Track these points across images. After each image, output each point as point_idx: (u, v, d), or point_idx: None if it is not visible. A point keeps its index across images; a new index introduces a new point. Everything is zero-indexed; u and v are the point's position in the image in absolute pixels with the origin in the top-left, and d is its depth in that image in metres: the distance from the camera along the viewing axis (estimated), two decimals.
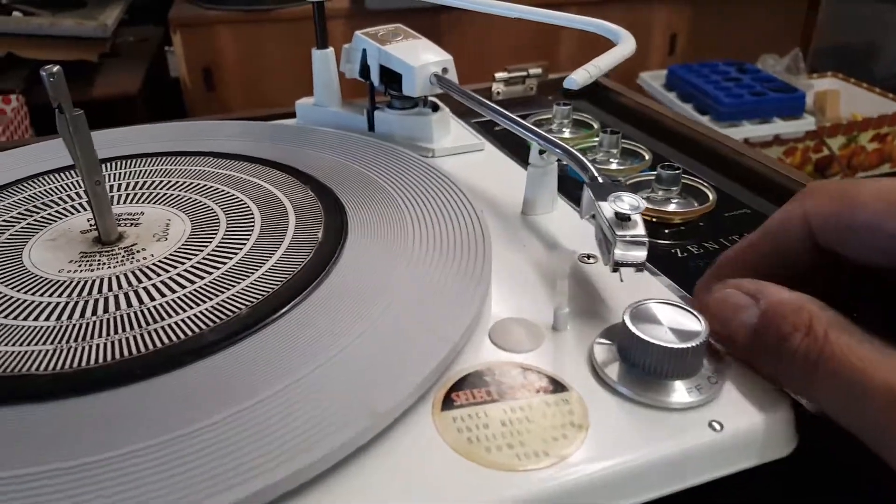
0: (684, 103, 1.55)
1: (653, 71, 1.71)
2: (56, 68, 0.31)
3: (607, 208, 0.31)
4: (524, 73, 0.62)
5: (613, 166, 0.49)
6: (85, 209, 0.40)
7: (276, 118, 0.56)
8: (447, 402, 0.28)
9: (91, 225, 0.38)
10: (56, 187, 0.43)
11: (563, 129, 0.54)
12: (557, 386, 0.28)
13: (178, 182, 0.43)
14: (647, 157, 0.49)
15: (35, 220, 0.40)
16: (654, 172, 0.44)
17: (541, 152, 0.39)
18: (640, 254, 0.30)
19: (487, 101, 0.42)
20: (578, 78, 0.36)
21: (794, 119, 1.49)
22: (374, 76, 0.49)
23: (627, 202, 0.31)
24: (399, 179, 0.42)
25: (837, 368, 0.24)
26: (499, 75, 0.62)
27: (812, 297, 0.26)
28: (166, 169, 0.45)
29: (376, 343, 0.29)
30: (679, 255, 0.40)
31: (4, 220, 0.39)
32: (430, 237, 0.36)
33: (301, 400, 0.26)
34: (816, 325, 0.25)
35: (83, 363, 0.28)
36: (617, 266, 0.30)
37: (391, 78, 0.48)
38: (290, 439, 0.24)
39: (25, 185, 0.44)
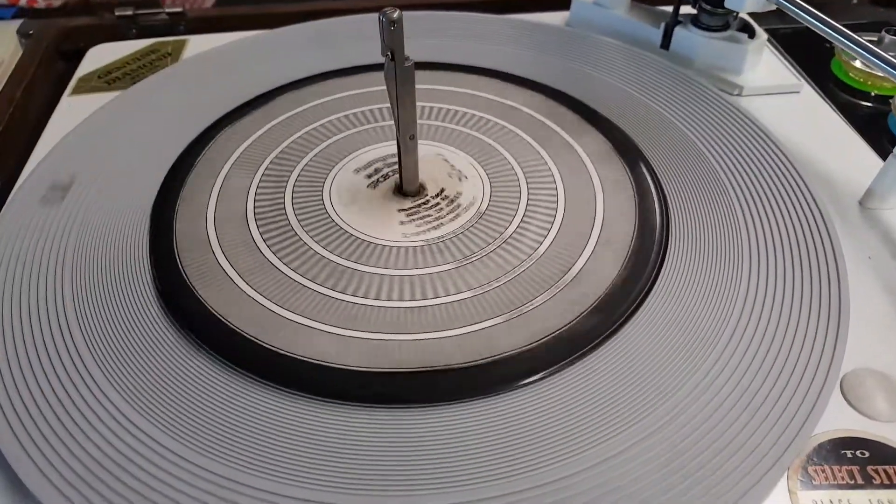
0: None
1: None
2: (397, 13, 0.27)
3: None
4: None
5: None
6: (380, 139, 0.37)
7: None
8: (805, 477, 0.25)
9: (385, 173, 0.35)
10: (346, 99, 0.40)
11: None
12: None
13: (464, 115, 0.39)
14: None
15: (328, 149, 0.37)
16: None
17: None
18: None
19: (855, 35, 0.34)
20: None
21: None
22: None
23: None
24: (714, 135, 0.36)
25: None
26: None
27: None
28: (446, 90, 0.40)
29: (715, 399, 0.26)
30: None
31: (296, 143, 0.37)
32: (766, 241, 0.31)
33: (650, 463, 0.24)
34: None
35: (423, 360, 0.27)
36: None
37: None
38: None
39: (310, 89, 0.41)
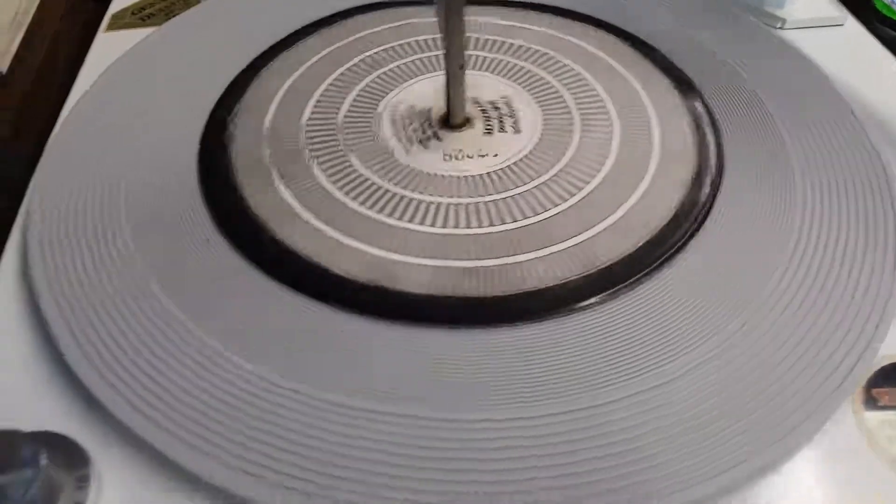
0: None
1: None
2: None
3: None
4: None
5: None
6: (429, 69, 0.37)
7: None
8: (869, 399, 0.25)
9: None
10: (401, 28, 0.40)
11: None
12: None
13: (512, 46, 0.38)
14: None
15: (381, 77, 0.36)
16: None
17: None
18: None
19: None
20: None
21: None
22: None
23: None
24: (764, 71, 0.35)
25: None
26: None
27: None
28: (493, 23, 0.39)
29: (779, 322, 0.26)
30: None
31: (349, 71, 0.37)
32: (819, 176, 0.31)
33: (713, 386, 0.24)
34: None
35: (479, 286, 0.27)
36: None
37: None
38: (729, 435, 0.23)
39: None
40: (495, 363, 0.24)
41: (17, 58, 0.38)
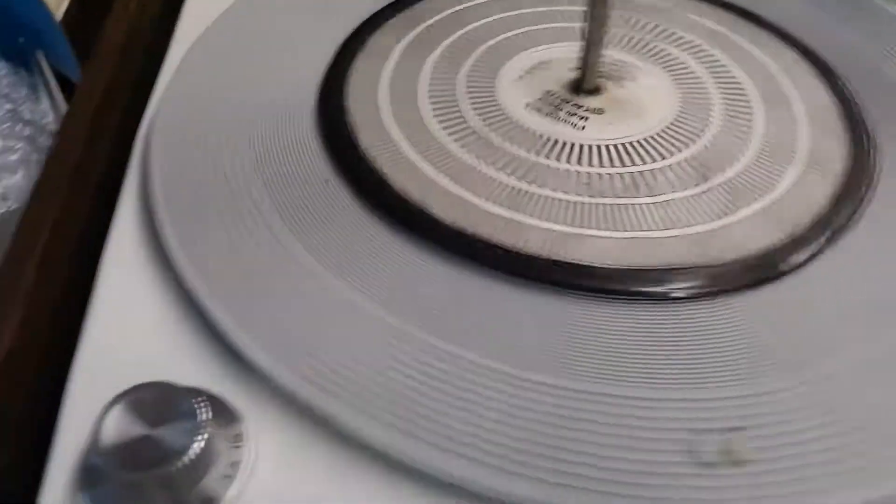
0: None
1: None
2: None
3: None
4: None
5: None
6: (560, 38, 0.35)
7: None
8: None
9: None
10: None
11: None
12: None
13: (646, 25, 0.36)
14: None
15: (512, 37, 0.35)
16: None
17: None
18: None
19: None
20: None
21: None
22: None
23: None
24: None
25: None
26: None
27: None
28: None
29: None
30: None
31: (472, 33, 0.35)
32: None
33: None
34: None
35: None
36: None
37: None
38: None
39: None
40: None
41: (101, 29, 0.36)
